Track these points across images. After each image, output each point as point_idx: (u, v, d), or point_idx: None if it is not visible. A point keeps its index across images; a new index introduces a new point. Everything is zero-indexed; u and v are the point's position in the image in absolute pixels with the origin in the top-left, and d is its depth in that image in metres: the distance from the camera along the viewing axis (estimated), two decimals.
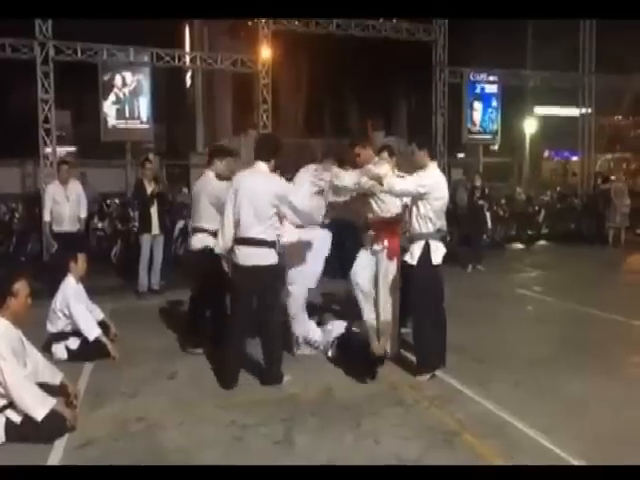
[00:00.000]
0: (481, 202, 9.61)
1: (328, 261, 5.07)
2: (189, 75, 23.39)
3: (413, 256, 4.32)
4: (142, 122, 12.15)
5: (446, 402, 3.91)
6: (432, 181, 4.33)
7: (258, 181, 4.14)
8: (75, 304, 4.86)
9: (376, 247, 4.57)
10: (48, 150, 10.69)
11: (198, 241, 5.04)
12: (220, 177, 5.03)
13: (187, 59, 13.33)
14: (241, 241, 4.12)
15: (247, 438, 3.43)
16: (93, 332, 4.84)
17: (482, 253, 9.51)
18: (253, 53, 12.26)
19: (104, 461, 3.17)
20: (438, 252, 4.32)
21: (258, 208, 4.06)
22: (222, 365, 4.36)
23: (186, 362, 4.80)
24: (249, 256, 4.09)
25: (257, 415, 3.72)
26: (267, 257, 4.10)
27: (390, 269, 4.54)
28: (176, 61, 12.05)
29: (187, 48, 21.59)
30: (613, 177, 13.59)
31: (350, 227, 8.63)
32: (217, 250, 4.33)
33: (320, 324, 5.09)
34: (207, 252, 4.75)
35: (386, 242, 4.51)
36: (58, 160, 9.35)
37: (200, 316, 5.18)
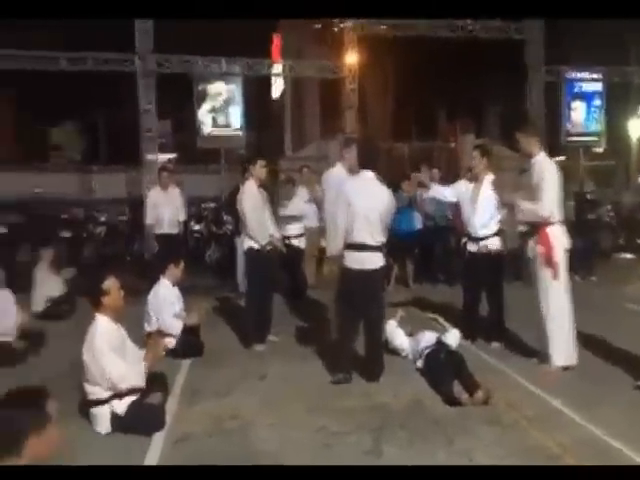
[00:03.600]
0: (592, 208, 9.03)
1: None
2: (278, 82, 24.02)
3: None
4: (235, 129, 12.67)
5: (547, 423, 3.66)
6: None
7: (370, 189, 4.34)
8: (160, 305, 5.12)
9: (530, 254, 4.60)
10: (150, 157, 11.41)
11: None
12: (260, 182, 5.43)
13: (276, 68, 13.70)
14: (352, 246, 4.29)
15: (336, 445, 3.41)
16: (174, 327, 5.11)
17: (593, 263, 8.90)
18: (339, 59, 12.35)
19: (200, 456, 3.30)
20: None
21: (370, 215, 4.26)
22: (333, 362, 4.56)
23: (276, 363, 4.88)
24: (359, 260, 4.28)
25: (346, 423, 3.69)
26: (376, 261, 4.32)
27: (546, 276, 4.49)
28: (265, 70, 12.42)
29: (276, 57, 22.18)
30: None
31: (438, 232, 8.44)
32: (327, 254, 4.54)
33: (411, 334, 4.99)
34: (253, 253, 5.31)
35: (540, 248, 4.49)
36: (159, 167, 9.95)
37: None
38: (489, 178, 5.20)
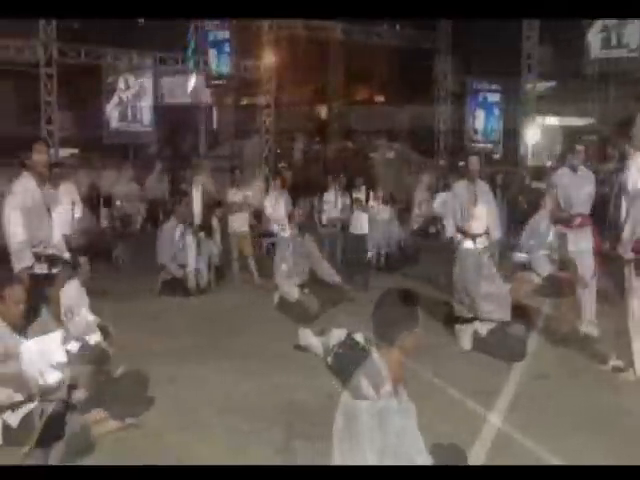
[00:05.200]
0: None
1: None
2: None
3: None
4: (630, 50, 10.81)
5: None
6: None
7: None
8: (533, 240, 4.93)
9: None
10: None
11: None
12: None
13: None
14: None
15: None
16: (542, 267, 4.75)
17: None
18: None
19: (559, 399, 3.17)
20: None
21: None
22: None
23: None
24: None
25: None
26: None
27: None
28: None
29: None
30: None
31: None
32: None
33: None
34: None
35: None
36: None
37: None
38: None
